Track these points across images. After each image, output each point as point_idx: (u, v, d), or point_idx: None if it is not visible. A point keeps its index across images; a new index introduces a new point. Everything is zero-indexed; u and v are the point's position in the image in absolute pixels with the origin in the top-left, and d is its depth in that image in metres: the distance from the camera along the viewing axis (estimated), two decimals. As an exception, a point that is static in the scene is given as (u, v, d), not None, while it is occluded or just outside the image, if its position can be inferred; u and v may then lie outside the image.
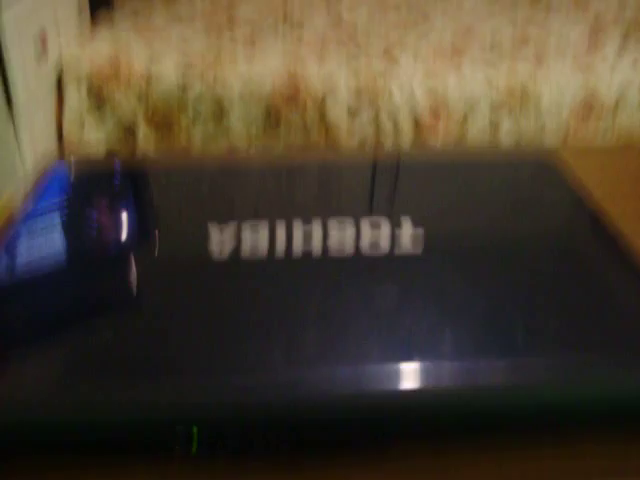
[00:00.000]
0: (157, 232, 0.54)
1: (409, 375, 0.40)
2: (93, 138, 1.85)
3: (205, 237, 0.51)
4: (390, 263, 0.49)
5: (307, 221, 0.52)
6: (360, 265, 0.49)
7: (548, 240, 0.54)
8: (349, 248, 0.50)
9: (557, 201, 0.60)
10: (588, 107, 1.90)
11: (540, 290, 0.47)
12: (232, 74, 1.80)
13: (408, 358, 0.41)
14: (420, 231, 0.51)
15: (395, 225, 0.52)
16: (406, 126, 1.85)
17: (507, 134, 1.88)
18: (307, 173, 0.64)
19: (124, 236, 0.54)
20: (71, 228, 0.54)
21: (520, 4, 2.54)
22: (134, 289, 0.48)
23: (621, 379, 0.42)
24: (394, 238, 0.51)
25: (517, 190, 0.62)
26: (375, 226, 0.52)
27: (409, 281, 0.47)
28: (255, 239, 0.50)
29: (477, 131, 1.86)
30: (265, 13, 2.27)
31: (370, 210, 0.56)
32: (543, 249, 0.52)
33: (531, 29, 2.24)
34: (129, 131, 1.84)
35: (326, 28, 2.15)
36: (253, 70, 1.81)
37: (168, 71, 1.80)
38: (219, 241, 0.50)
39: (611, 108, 1.91)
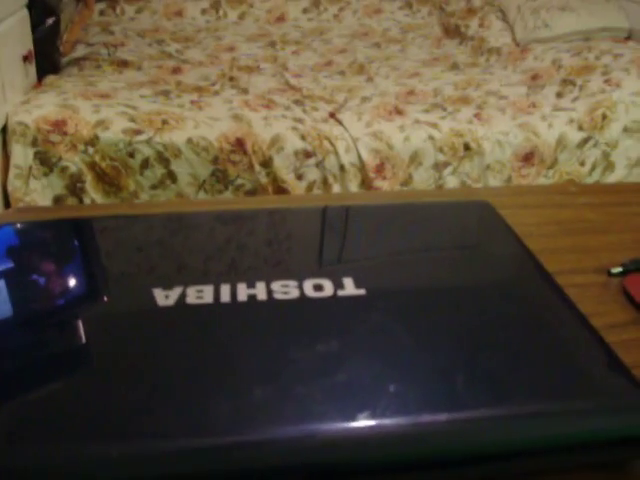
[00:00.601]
0: (104, 288, 0.54)
1: (354, 432, 0.40)
2: (40, 195, 1.84)
3: (150, 295, 0.51)
4: (333, 316, 0.49)
5: (253, 279, 0.52)
6: (304, 320, 0.49)
7: (488, 284, 0.55)
8: (292, 304, 0.50)
9: (495, 243, 0.62)
10: (528, 157, 1.96)
11: (483, 338, 0.48)
12: (179, 138, 1.82)
13: (352, 416, 0.41)
14: (364, 283, 0.52)
15: (338, 280, 0.52)
16: (352, 185, 1.88)
17: (451, 183, 1.93)
18: (253, 222, 0.65)
19: (71, 292, 0.54)
20: (18, 286, 0.53)
21: (460, 65, 2.63)
22: (79, 346, 0.47)
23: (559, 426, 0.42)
24: (337, 292, 0.51)
25: (457, 232, 0.64)
26: (320, 278, 0.52)
27: (353, 336, 0.48)
28: (199, 299, 0.50)
29: (421, 182, 1.91)
30: (211, 78, 2.31)
31: (317, 262, 0.57)
32: (483, 294, 0.53)
33: (471, 89, 2.31)
34: (76, 189, 1.84)
35: (272, 92, 2.19)
36: (200, 134, 1.83)
37: (116, 133, 1.81)
38: (166, 296, 0.50)
39: (549, 157, 1.98)
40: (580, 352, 0.47)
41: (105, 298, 0.52)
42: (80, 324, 0.49)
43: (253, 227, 0.64)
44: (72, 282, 0.55)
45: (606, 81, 2.18)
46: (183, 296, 0.50)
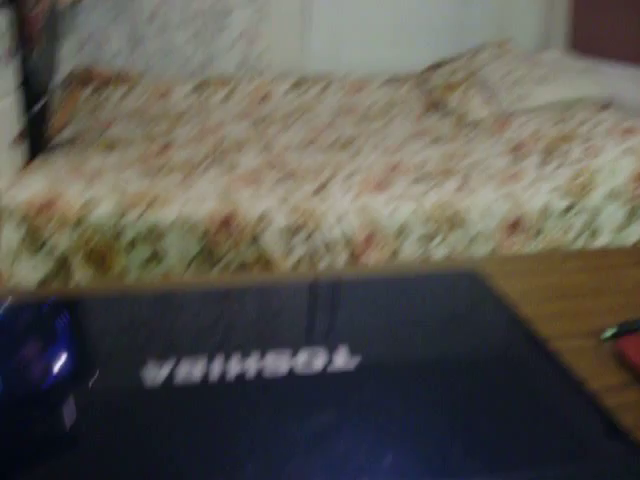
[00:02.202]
0: (91, 369, 0.54)
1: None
2: (28, 274, 1.83)
3: (137, 376, 0.50)
4: (324, 392, 0.49)
5: (245, 354, 0.52)
6: (298, 393, 0.48)
7: (480, 353, 0.55)
8: (287, 379, 0.49)
9: (484, 312, 0.62)
10: (514, 226, 1.98)
11: (478, 407, 0.47)
12: (166, 217, 1.83)
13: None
14: (357, 357, 0.52)
15: (331, 353, 0.52)
16: (340, 260, 1.88)
17: (438, 254, 1.94)
18: (243, 299, 0.64)
19: (59, 372, 0.53)
20: (5, 365, 0.53)
21: (444, 137, 2.67)
22: (65, 430, 0.46)
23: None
24: (329, 365, 0.51)
25: (447, 303, 0.64)
26: (312, 354, 0.52)
27: (346, 406, 0.47)
28: (191, 375, 0.50)
29: (409, 255, 1.91)
30: (199, 155, 2.34)
31: (309, 335, 0.57)
32: (476, 363, 0.53)
33: (456, 159, 2.34)
34: (64, 269, 1.83)
35: (259, 167, 2.21)
36: (188, 211, 1.84)
37: (104, 213, 1.82)
38: (154, 377, 0.49)
39: (535, 225, 2.00)
40: (577, 417, 0.47)
41: (92, 380, 0.52)
42: (67, 407, 0.48)
43: (240, 304, 0.64)
44: (59, 363, 0.54)
45: (587, 149, 2.22)
46: (171, 377, 0.49)
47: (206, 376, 0.49)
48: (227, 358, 0.51)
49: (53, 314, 0.63)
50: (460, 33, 3.60)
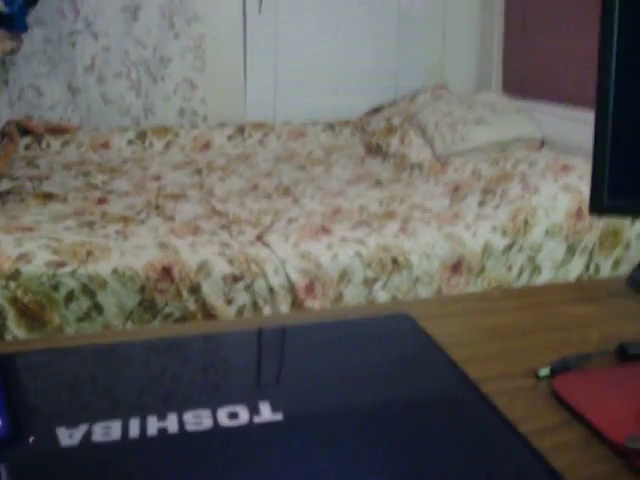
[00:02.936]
0: (27, 426, 0.51)
1: None
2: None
3: (53, 435, 0.48)
4: (250, 444, 0.47)
5: (162, 415, 0.49)
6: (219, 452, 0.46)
7: (408, 400, 0.53)
8: (205, 435, 0.47)
9: (416, 355, 0.61)
10: (456, 266, 1.99)
11: (406, 458, 0.46)
12: (104, 268, 1.79)
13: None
14: (281, 408, 0.50)
15: (254, 405, 0.50)
16: (283, 307, 1.86)
17: (381, 298, 1.93)
18: (167, 353, 0.62)
19: None
20: None
21: (383, 182, 2.69)
22: None
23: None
24: (253, 419, 0.49)
25: (378, 346, 0.62)
26: (233, 405, 0.50)
27: (271, 465, 0.45)
28: (106, 436, 0.47)
29: (352, 299, 1.91)
30: (137, 207, 2.30)
31: (231, 388, 0.55)
32: (404, 411, 0.51)
33: (395, 204, 2.36)
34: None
35: (198, 218, 2.19)
36: (126, 263, 1.81)
37: (39, 266, 1.77)
38: (67, 440, 0.47)
39: (477, 265, 2.01)
40: (510, 462, 0.45)
41: (15, 438, 0.49)
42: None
43: (162, 359, 0.62)
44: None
45: (524, 188, 2.25)
46: (88, 434, 0.47)
47: (126, 432, 0.47)
48: (145, 414, 0.49)
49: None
50: (397, 79, 3.66)
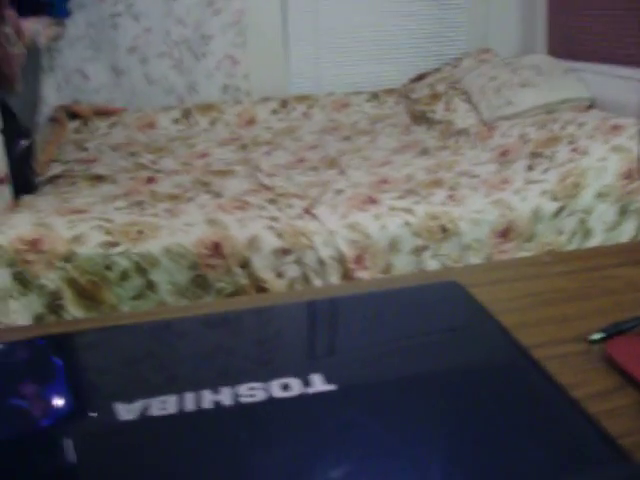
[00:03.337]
0: (88, 403, 0.53)
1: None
2: (19, 317, 1.81)
3: (111, 410, 0.49)
4: (305, 414, 0.48)
5: (216, 389, 0.50)
6: (274, 422, 0.47)
7: (461, 367, 0.53)
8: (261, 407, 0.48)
9: (465, 322, 0.61)
10: (505, 233, 1.97)
11: (461, 425, 0.46)
12: (156, 247, 1.82)
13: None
14: (334, 379, 0.50)
15: (306, 377, 0.51)
16: (333, 278, 1.87)
17: (431, 266, 1.92)
18: (236, 326, 0.63)
19: (52, 411, 0.52)
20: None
21: (430, 150, 2.67)
22: (66, 465, 0.45)
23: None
24: (306, 389, 0.49)
25: (427, 314, 0.62)
26: (288, 377, 0.51)
27: (325, 435, 0.46)
28: (163, 410, 0.49)
29: (402, 268, 1.90)
30: (185, 185, 2.33)
31: (286, 360, 0.56)
32: (458, 378, 0.51)
33: (442, 172, 2.34)
34: (56, 306, 1.82)
35: (245, 193, 2.20)
36: (176, 241, 1.83)
37: (91, 249, 1.80)
38: (126, 414, 0.48)
39: (526, 230, 1.99)
40: (563, 427, 0.45)
41: (76, 415, 0.51)
42: (65, 446, 0.47)
43: (221, 331, 0.63)
44: (53, 403, 0.53)
45: (573, 150, 2.21)
46: (146, 408, 0.48)
47: (182, 406, 0.48)
48: (198, 392, 0.50)
49: (45, 355, 0.62)
50: (440, 45, 3.61)
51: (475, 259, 1.96)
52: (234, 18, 3.31)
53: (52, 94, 3.27)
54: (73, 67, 3.27)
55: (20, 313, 1.82)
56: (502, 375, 0.51)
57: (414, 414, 0.47)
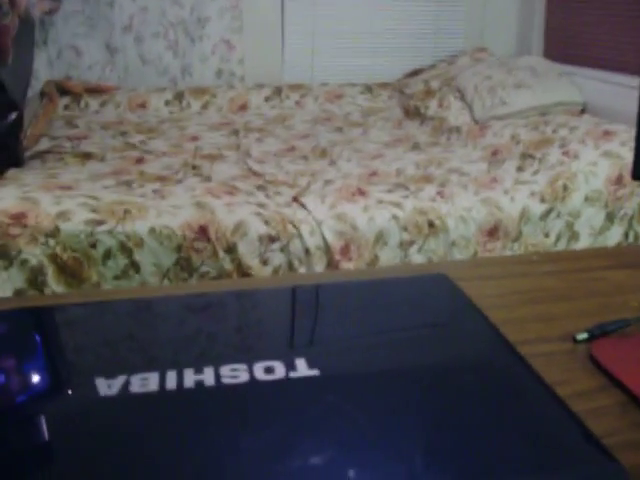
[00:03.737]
0: (67, 377, 0.52)
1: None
2: (0, 287, 1.80)
3: (92, 385, 0.48)
4: (286, 399, 0.47)
5: (199, 369, 0.50)
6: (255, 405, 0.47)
7: (446, 359, 0.53)
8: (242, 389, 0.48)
9: (453, 315, 0.60)
10: (493, 231, 1.97)
11: (444, 417, 0.45)
12: (142, 227, 1.80)
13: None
14: (317, 364, 0.50)
15: (290, 361, 0.50)
16: (318, 268, 1.87)
17: (417, 261, 1.92)
18: (218, 308, 0.63)
19: (30, 385, 0.51)
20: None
21: (421, 145, 2.67)
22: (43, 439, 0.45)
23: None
24: (289, 374, 0.49)
25: (415, 306, 0.62)
26: (271, 360, 0.50)
27: (307, 420, 0.45)
28: (144, 387, 0.48)
29: (387, 261, 1.90)
30: (174, 167, 2.31)
31: (268, 344, 0.55)
32: (442, 370, 0.51)
33: (433, 168, 2.34)
34: (38, 281, 1.80)
35: (234, 179, 2.19)
36: (163, 223, 1.82)
37: (76, 226, 1.79)
38: (106, 390, 0.48)
39: (514, 230, 1.99)
40: (546, 425, 0.45)
41: (55, 389, 0.50)
42: (40, 420, 0.46)
43: (205, 313, 0.63)
44: (33, 376, 0.52)
45: (564, 153, 2.22)
46: (126, 385, 0.47)
47: (163, 384, 0.48)
48: (182, 367, 0.49)
49: (18, 325, 0.61)
50: (436, 42, 3.60)
51: (461, 256, 1.96)
52: (231, 2, 3.29)
53: (43, 68, 3.24)
54: (66, 42, 3.24)
55: (1, 287, 1.81)
56: (487, 370, 0.51)
57: (396, 404, 0.47)
